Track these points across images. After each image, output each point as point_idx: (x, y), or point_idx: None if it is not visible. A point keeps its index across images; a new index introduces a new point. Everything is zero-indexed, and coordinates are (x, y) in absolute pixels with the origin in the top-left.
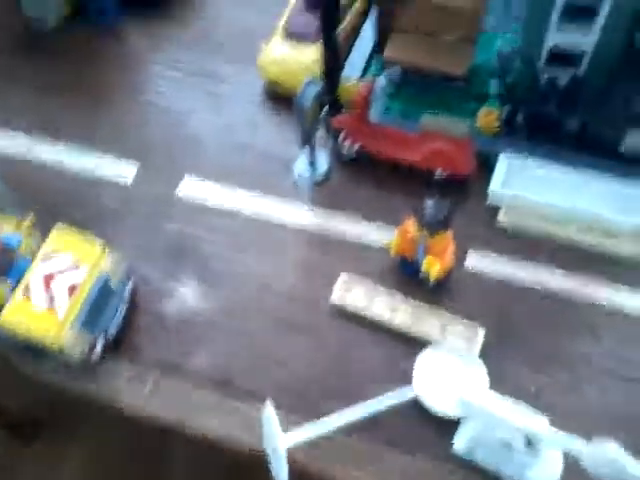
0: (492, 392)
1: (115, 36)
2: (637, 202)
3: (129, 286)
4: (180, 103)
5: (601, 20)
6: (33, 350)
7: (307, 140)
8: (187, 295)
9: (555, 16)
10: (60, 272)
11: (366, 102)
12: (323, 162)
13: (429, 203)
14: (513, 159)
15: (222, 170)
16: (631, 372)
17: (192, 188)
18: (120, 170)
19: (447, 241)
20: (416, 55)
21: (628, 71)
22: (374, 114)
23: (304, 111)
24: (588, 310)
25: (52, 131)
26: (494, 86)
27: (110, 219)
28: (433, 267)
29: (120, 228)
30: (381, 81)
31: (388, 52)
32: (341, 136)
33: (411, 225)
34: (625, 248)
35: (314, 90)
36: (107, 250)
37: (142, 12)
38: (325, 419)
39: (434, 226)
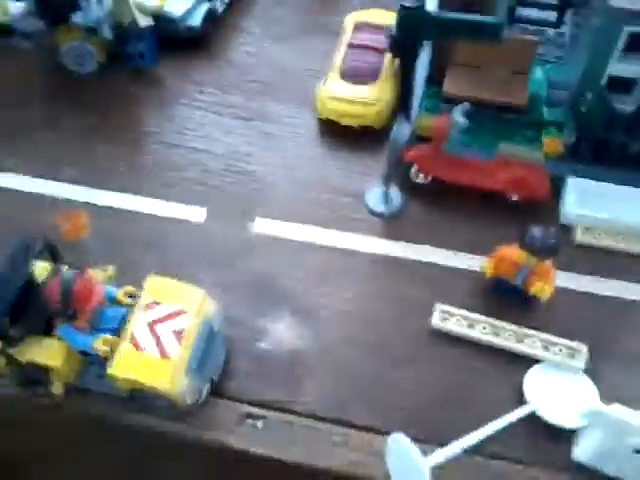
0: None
1: (154, 80)
2: None
3: (226, 329)
4: (235, 147)
5: None
6: (139, 398)
7: (391, 175)
8: (282, 332)
9: (619, 46)
10: (163, 319)
11: (443, 135)
12: (396, 195)
13: (536, 230)
14: (580, 181)
15: (293, 208)
16: None
17: (266, 227)
18: (189, 215)
19: (550, 265)
20: (474, 88)
21: None
22: (450, 146)
23: (397, 149)
24: None
25: (104, 178)
26: (548, 113)
27: (189, 262)
28: (544, 290)
29: (201, 271)
30: (454, 115)
31: (447, 87)
32: (414, 169)
33: (514, 250)
34: None
35: (407, 129)
36: (207, 295)
37: (180, 53)
38: (453, 442)
39: (545, 252)
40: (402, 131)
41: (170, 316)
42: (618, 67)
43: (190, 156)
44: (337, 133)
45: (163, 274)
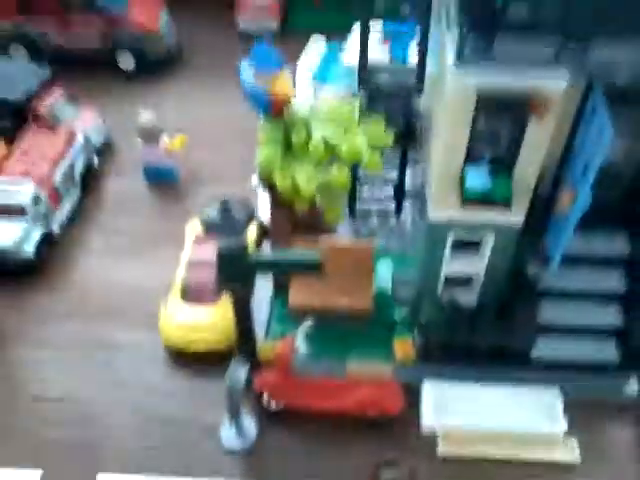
0: None
1: None
2: (555, 409)
3: None
4: (75, 389)
5: (486, 251)
6: None
7: (236, 413)
8: None
9: (448, 249)
10: None
11: (288, 359)
12: (251, 428)
13: (386, 471)
14: (436, 385)
15: (141, 456)
16: None
17: None
18: None
19: None
20: (319, 298)
21: (525, 294)
22: (297, 368)
23: (235, 391)
24: None
25: None
26: (400, 313)
27: None
28: None
29: None
30: (297, 335)
31: (292, 300)
32: (265, 396)
33: None
34: (556, 455)
35: (243, 370)
36: None
37: (14, 283)
38: None
39: None
40: (238, 374)
41: None
42: (451, 267)
43: (25, 405)
44: (185, 359)
45: None
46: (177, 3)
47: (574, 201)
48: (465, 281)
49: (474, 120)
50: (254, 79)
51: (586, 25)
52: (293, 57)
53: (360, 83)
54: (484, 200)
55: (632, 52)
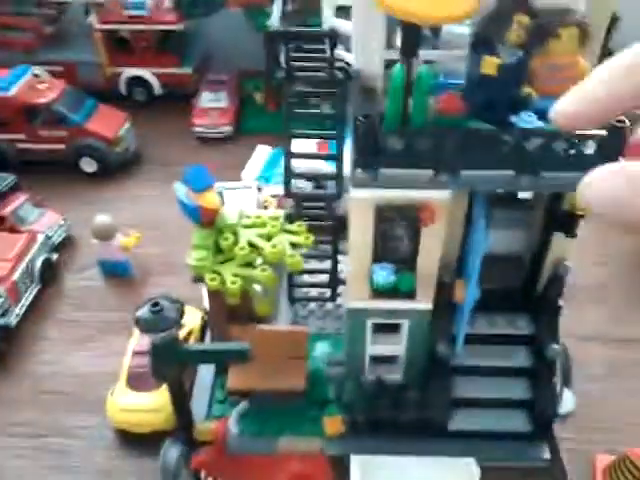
0: None
1: None
2: (473, 478)
3: None
4: (29, 478)
5: (404, 333)
6: None
7: None
8: None
9: (369, 332)
10: None
11: (222, 439)
12: None
13: None
14: (363, 459)
15: None
16: None
17: None
18: None
19: None
20: (255, 380)
21: (441, 371)
22: (231, 447)
23: (167, 471)
24: None
25: None
26: (330, 391)
27: None
28: None
29: None
30: (233, 416)
31: (231, 382)
32: (202, 474)
33: None
34: None
35: (175, 451)
36: None
37: None
38: None
39: None
40: (170, 454)
41: None
42: (374, 348)
43: None
44: (134, 440)
45: None
46: (139, 111)
47: (465, 292)
48: (390, 359)
49: (377, 227)
50: (187, 196)
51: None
52: (245, 159)
53: (285, 192)
54: (391, 293)
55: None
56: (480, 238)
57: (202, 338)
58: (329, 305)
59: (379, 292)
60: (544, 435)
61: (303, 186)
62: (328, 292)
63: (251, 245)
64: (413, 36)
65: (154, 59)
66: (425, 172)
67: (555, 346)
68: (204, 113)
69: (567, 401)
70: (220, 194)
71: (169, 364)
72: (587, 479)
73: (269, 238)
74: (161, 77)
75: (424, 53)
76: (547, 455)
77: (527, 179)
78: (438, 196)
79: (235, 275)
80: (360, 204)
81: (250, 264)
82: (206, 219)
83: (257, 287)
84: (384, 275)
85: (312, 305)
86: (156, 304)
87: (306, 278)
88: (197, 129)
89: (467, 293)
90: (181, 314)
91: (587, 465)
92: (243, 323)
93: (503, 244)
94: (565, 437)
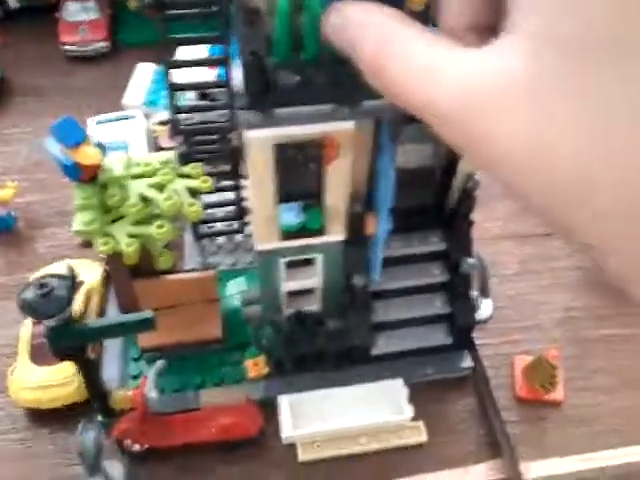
0: None
1: None
2: (401, 398)
3: None
4: None
5: (319, 267)
6: None
7: (94, 470)
8: None
9: (282, 270)
10: None
11: (142, 403)
12: (116, 474)
13: None
14: (291, 398)
15: None
16: None
17: None
18: None
19: None
20: (168, 334)
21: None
22: (152, 409)
23: (87, 454)
24: None
25: None
26: (249, 332)
27: None
28: None
29: None
30: (150, 376)
31: (143, 342)
32: (127, 442)
33: None
34: (406, 440)
35: (92, 433)
36: None
37: None
38: None
39: None
40: (88, 436)
41: None
42: (289, 285)
43: None
44: (45, 416)
45: None
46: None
47: (377, 224)
48: (307, 292)
49: (278, 166)
50: (60, 152)
51: (355, 90)
52: (127, 78)
53: (171, 129)
54: (300, 232)
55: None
56: (388, 166)
57: (106, 293)
58: (238, 237)
59: (287, 234)
60: (465, 345)
61: (191, 102)
62: (235, 224)
63: (143, 199)
64: None
65: None
66: (324, 107)
67: (469, 260)
68: (72, 28)
69: (485, 307)
70: (100, 145)
71: (68, 345)
72: (508, 381)
73: (162, 187)
74: None
75: None
76: (469, 364)
77: None
78: (341, 128)
79: (130, 235)
80: (256, 144)
81: (145, 220)
82: (86, 175)
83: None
84: (291, 216)
85: (220, 239)
86: (43, 285)
87: (210, 212)
88: (67, 47)
89: (379, 225)
90: (74, 289)
91: (508, 368)
92: (147, 276)
93: (414, 158)
94: (486, 343)
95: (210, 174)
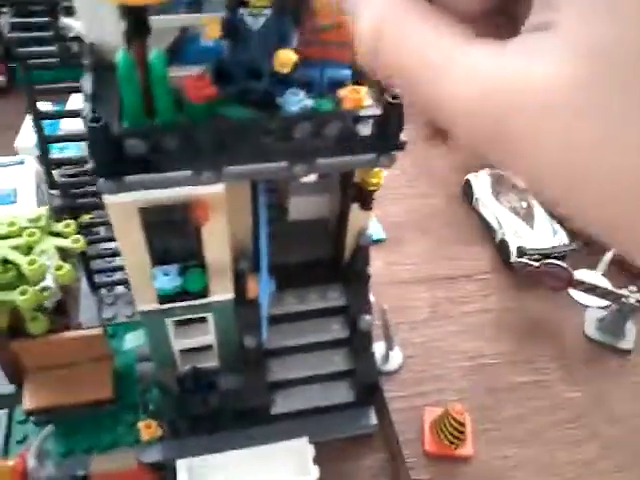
0: None
1: None
2: (305, 458)
3: None
4: None
5: (211, 325)
6: None
7: None
8: None
9: (171, 329)
10: None
11: (25, 473)
12: None
13: None
14: (188, 461)
15: None
16: None
17: None
18: None
19: None
20: (56, 395)
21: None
22: (38, 478)
23: None
24: None
25: None
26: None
27: None
28: None
29: None
30: (37, 442)
31: (28, 404)
32: None
33: None
34: None
35: None
36: None
37: None
38: None
39: None
40: None
41: None
42: (181, 343)
43: None
44: None
45: None
46: None
47: (259, 285)
48: (204, 348)
49: (147, 229)
50: None
51: (213, 156)
52: (22, 118)
53: (47, 179)
54: (180, 295)
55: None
56: (263, 223)
57: None
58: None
59: (164, 297)
60: (369, 401)
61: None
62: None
63: (6, 262)
64: (136, 17)
65: None
66: (181, 173)
67: (367, 317)
68: None
69: (394, 358)
70: None
71: None
72: (419, 435)
73: (30, 248)
74: None
75: (175, 18)
76: (374, 420)
77: (301, 167)
78: (209, 191)
79: None
80: (117, 209)
81: (9, 285)
82: None
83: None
84: (167, 280)
85: (119, 289)
86: None
87: (104, 262)
88: None
89: (261, 286)
90: None
91: (418, 421)
92: (26, 336)
93: (308, 210)
94: (395, 395)
95: (100, 223)
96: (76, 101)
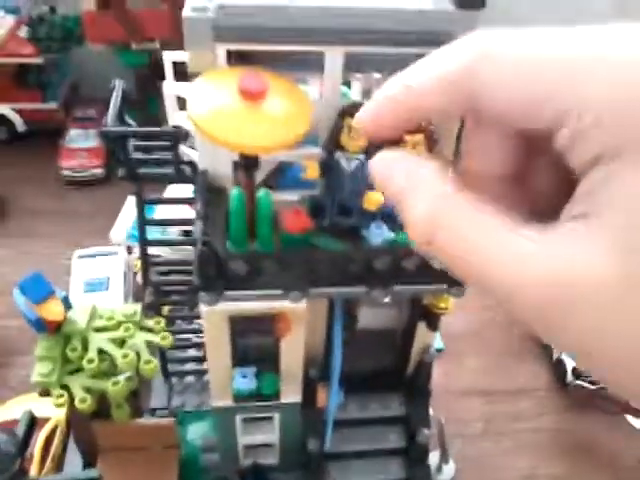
0: None
1: None
2: None
3: None
4: None
5: (276, 424)
6: None
7: None
8: None
9: (239, 426)
10: None
11: None
12: None
13: None
14: None
15: None
16: None
17: None
18: None
19: None
20: (128, 473)
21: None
22: None
23: None
24: None
25: None
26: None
27: None
28: None
29: None
30: None
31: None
32: None
33: None
34: None
35: None
36: None
37: None
38: None
39: None
40: None
41: None
42: (246, 439)
43: None
44: None
45: None
46: (1, 151)
47: (328, 396)
48: (266, 445)
49: (233, 335)
50: (26, 306)
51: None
52: (118, 206)
53: (143, 279)
54: (254, 396)
55: None
56: (338, 342)
57: (68, 430)
58: (207, 377)
59: (240, 397)
60: None
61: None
62: (205, 364)
63: (102, 352)
64: (249, 162)
65: (13, 94)
66: (273, 292)
67: (426, 431)
68: (72, 153)
69: (447, 471)
70: (66, 299)
71: None
72: None
73: (123, 342)
74: (23, 113)
75: (279, 155)
76: None
77: (378, 292)
78: (292, 306)
79: (86, 389)
80: (211, 316)
81: (103, 374)
82: (50, 328)
83: None
84: (244, 381)
85: (189, 378)
86: None
87: (179, 352)
88: (65, 172)
89: (330, 398)
90: (23, 447)
91: None
92: (106, 418)
93: (377, 320)
94: None
95: (181, 317)
96: (173, 190)
